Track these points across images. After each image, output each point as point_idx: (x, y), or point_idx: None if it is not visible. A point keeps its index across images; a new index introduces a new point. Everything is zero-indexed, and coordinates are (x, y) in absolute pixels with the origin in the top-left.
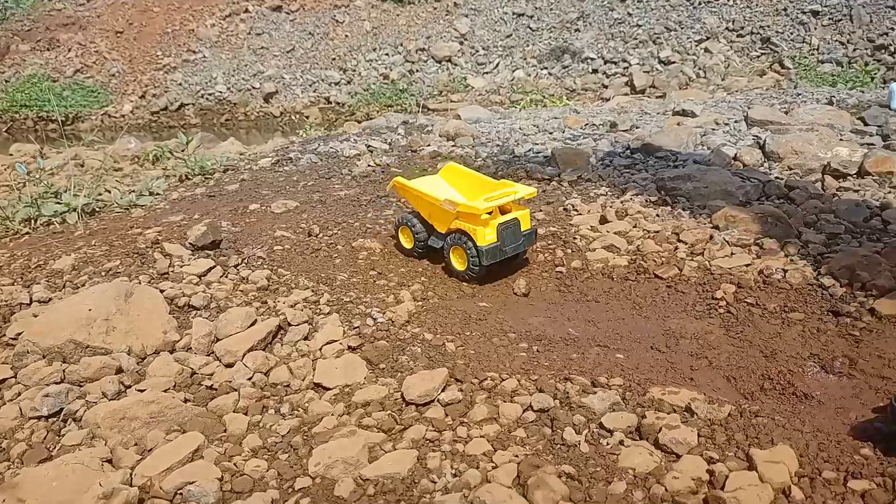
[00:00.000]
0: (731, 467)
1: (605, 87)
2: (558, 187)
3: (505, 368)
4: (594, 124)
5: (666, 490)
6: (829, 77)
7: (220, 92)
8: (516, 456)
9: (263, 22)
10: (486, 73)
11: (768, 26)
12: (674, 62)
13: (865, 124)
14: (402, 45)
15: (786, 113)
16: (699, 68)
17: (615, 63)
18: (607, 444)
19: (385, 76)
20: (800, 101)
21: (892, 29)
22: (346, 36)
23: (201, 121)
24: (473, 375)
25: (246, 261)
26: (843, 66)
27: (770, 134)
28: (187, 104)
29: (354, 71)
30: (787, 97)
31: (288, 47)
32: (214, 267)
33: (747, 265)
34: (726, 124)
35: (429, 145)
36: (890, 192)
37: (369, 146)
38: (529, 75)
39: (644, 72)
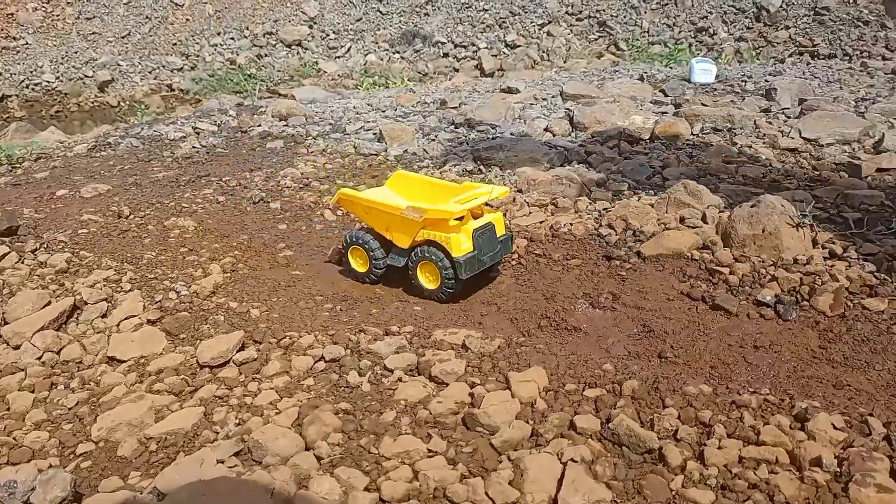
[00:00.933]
0: (489, 389)
1: (456, 70)
2: (384, 161)
3: (305, 327)
4: (426, 102)
5: (430, 413)
6: (659, 57)
7: (49, 81)
8: (300, 401)
9: (94, 5)
10: (339, 57)
11: (604, 10)
12: (519, 45)
13: (666, 95)
14: (248, 28)
15: (598, 87)
16: (543, 51)
17: (465, 47)
18: (388, 382)
19: (232, 61)
20: (616, 77)
21: (711, 13)
22: (188, 20)
23: (28, 113)
24: (272, 336)
25: (45, 245)
26: (669, 47)
27: (579, 106)
28: (10, 96)
29: (198, 56)
30: (605, 74)
31: (123, 32)
32: (9, 253)
33: (541, 222)
34: (545, 99)
35: (259, 125)
36: (673, 153)
37: (196, 128)
38: (382, 59)
39: (492, 55)
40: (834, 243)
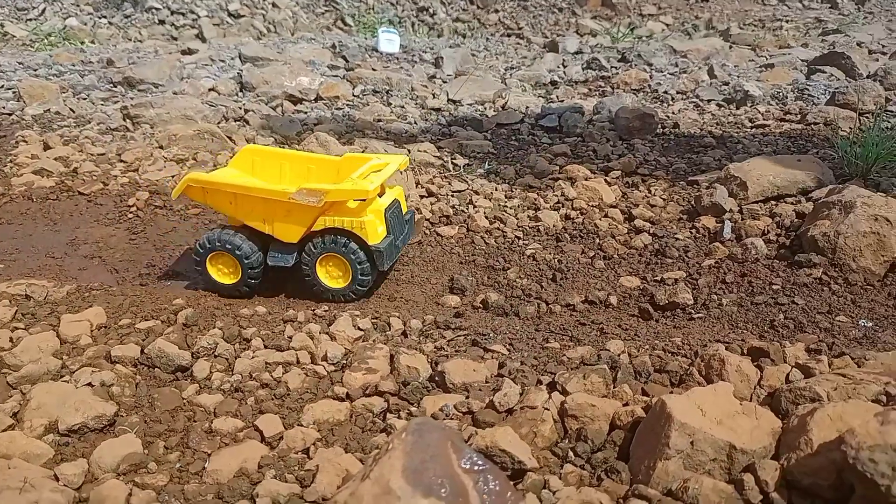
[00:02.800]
0: (32, 332)
1: (175, 38)
2: (18, 121)
3: None
4: (90, 62)
5: None
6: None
7: None
8: None
9: None
10: (30, 19)
11: None
12: (244, 15)
13: (346, 61)
14: None
15: (279, 52)
16: (269, 22)
17: (183, 14)
18: None
19: None
20: (300, 42)
21: None
22: None
23: None
24: None
25: None
26: (395, 25)
27: (249, 66)
28: None
29: None
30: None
31: None
32: None
33: (173, 176)
34: (222, 61)
35: None
36: (330, 112)
37: None
38: (86, 24)
39: (214, 24)
40: (432, 183)
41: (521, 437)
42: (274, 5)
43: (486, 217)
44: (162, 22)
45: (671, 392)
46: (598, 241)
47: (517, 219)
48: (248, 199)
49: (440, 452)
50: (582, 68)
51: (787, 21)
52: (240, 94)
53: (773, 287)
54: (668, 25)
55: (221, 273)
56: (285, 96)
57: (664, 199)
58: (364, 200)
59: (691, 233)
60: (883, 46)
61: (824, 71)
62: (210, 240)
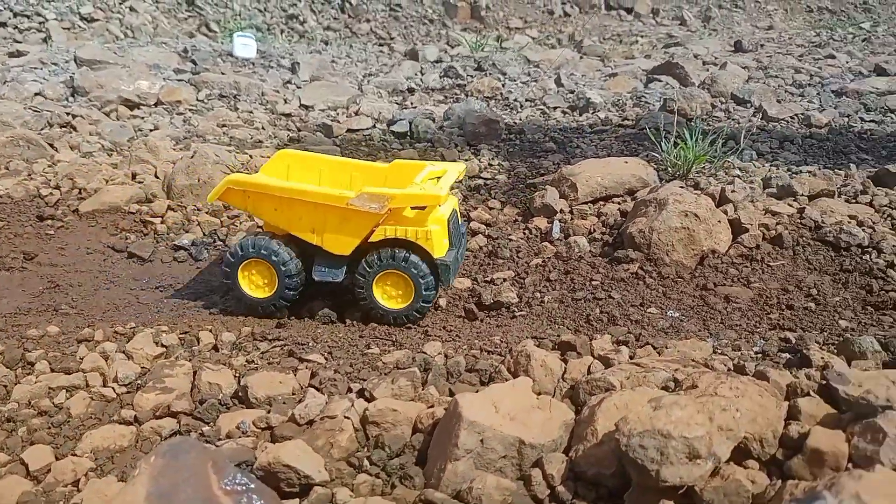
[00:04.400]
0: None
1: (19, 42)
2: None
3: None
4: None
5: None
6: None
7: None
8: None
9: None
10: None
11: None
12: (98, 20)
13: (195, 64)
14: None
15: (121, 55)
16: (126, 27)
17: (28, 17)
18: None
19: None
20: (148, 46)
21: (300, 1)
22: None
23: None
24: None
25: None
26: (263, 32)
27: (83, 70)
28: None
29: None
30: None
31: None
32: None
33: None
34: (55, 64)
35: None
36: (171, 118)
37: None
38: None
39: (64, 28)
40: None
41: (317, 450)
42: (132, 9)
43: None
44: (4, 24)
45: (478, 391)
46: None
47: None
48: (296, 205)
49: (197, 474)
50: (439, 76)
51: (642, 36)
52: (70, 98)
53: (593, 283)
54: (533, 38)
55: (254, 285)
56: (121, 101)
57: (502, 203)
58: (424, 209)
59: (524, 234)
60: (716, 58)
61: (661, 80)
62: (244, 246)
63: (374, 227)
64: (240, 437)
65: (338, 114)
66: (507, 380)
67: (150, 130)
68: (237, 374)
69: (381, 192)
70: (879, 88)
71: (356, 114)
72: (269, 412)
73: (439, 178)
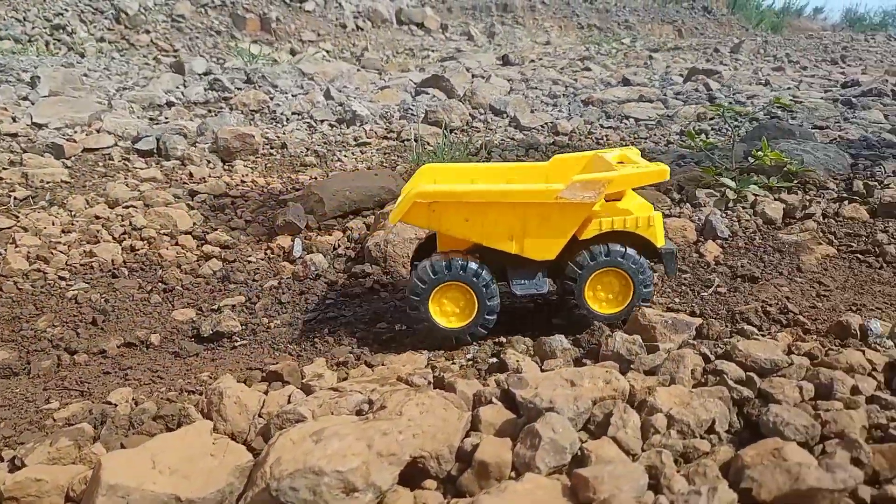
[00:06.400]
0: None
1: None
2: None
3: None
4: None
5: None
6: (10, 52)
7: None
8: None
9: None
10: None
11: None
12: None
13: None
14: None
15: None
16: None
17: None
18: None
19: None
20: None
21: (67, 10)
22: None
23: None
24: None
25: None
26: (22, 43)
27: None
28: None
29: None
30: None
31: None
32: None
33: None
34: None
35: None
36: None
37: None
38: None
39: None
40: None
41: None
42: None
43: (28, 257)
44: None
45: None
46: (160, 272)
47: (68, 256)
48: (491, 210)
49: None
50: (204, 89)
51: (433, 50)
52: None
53: (328, 302)
54: (328, 52)
55: (442, 314)
56: None
57: (247, 221)
58: (619, 200)
59: (266, 254)
60: (485, 71)
61: (428, 92)
62: (438, 269)
63: (582, 222)
64: None
65: (75, 132)
66: (195, 422)
67: None
68: None
69: (597, 177)
70: (620, 97)
71: (98, 131)
72: None
73: (620, 162)
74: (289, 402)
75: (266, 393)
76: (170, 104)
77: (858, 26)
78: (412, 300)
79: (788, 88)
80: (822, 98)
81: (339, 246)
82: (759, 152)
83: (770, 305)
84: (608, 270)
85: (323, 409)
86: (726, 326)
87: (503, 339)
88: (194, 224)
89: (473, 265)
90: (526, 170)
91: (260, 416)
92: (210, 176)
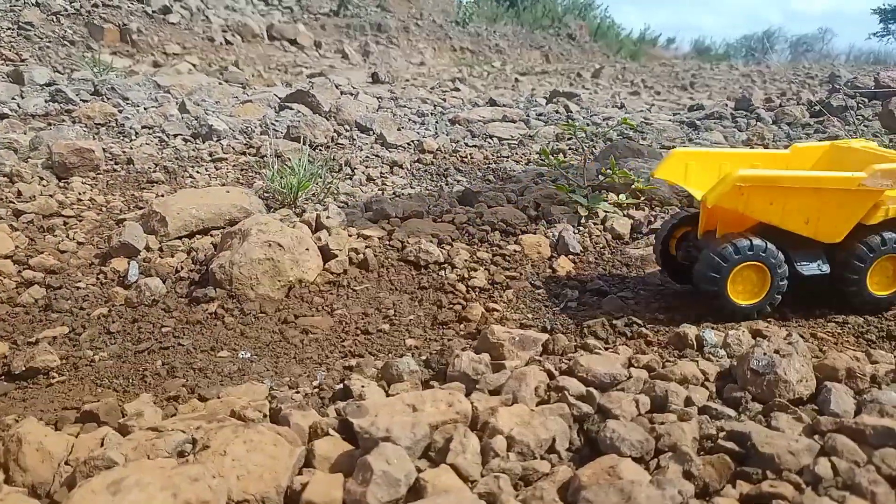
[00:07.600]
0: None
1: None
2: None
3: None
4: None
5: None
6: None
7: None
8: None
9: None
10: None
11: None
12: None
13: None
14: None
15: None
16: None
17: None
18: None
19: None
20: None
21: None
22: None
23: None
24: None
25: None
26: None
27: None
28: None
29: None
30: None
31: None
32: None
33: None
34: None
35: None
36: None
37: None
38: None
39: None
40: None
41: None
42: None
43: None
44: None
45: None
46: None
47: None
48: (793, 195)
49: None
50: (45, 101)
51: (306, 67)
52: None
53: (164, 330)
54: (194, 66)
55: (740, 292)
56: None
57: (80, 243)
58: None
59: (98, 279)
60: (354, 88)
61: (293, 108)
62: (741, 248)
63: (869, 208)
64: None
65: None
66: None
67: None
68: None
69: (893, 167)
70: (486, 117)
71: None
72: None
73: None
74: (102, 445)
75: (77, 436)
76: (2, 116)
77: (706, 56)
78: (711, 277)
79: (641, 111)
80: (670, 120)
81: (181, 269)
82: (609, 171)
83: (616, 318)
84: (888, 257)
85: (137, 452)
86: (574, 341)
87: (352, 364)
88: (16, 247)
89: (772, 247)
90: (769, 157)
91: (67, 463)
92: (42, 194)
